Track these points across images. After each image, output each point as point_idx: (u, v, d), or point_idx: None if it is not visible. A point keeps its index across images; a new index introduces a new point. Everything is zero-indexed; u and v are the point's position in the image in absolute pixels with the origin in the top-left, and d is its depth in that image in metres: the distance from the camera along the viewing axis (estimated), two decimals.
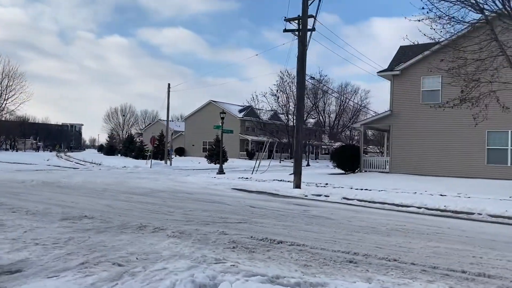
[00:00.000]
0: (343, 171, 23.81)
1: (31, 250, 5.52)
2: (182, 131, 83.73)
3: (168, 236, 6.75)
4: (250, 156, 57.87)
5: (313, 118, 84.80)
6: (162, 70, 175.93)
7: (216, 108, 63.33)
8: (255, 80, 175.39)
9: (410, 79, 22.10)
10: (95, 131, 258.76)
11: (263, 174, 24.80)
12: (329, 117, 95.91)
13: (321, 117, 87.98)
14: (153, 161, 33.54)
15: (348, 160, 23.18)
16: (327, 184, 18.45)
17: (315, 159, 71.93)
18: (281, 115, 57.73)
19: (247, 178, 21.17)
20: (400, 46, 25.58)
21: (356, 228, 7.99)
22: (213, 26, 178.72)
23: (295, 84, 29.79)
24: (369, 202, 12.84)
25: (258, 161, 27.15)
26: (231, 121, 60.40)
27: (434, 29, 13.45)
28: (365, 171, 23.29)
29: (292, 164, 52.06)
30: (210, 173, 25.19)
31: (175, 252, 5.66)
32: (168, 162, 35.96)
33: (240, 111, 62.43)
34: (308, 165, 55.22)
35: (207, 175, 23.70)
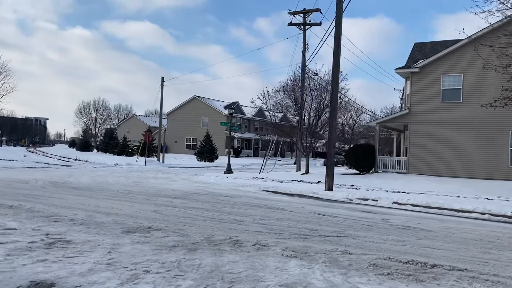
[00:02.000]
0: (357, 171, 22.94)
1: (151, 282, 4.21)
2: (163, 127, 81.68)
3: (282, 255, 5.54)
4: (237, 153, 56.55)
5: (294, 116, 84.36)
6: (128, 65, 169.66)
7: (201, 104, 61.74)
8: (222, 75, 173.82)
9: (429, 77, 21.39)
10: (61, 125, 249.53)
11: (270, 173, 23.64)
12: (308, 115, 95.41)
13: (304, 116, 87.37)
14: (147, 158, 31.80)
15: (363, 160, 22.31)
16: (352, 185, 17.47)
17: (292, 157, 71.30)
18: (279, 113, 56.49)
19: (262, 178, 19.96)
20: (415, 43, 24.92)
21: (473, 242, 6.98)
22: (179, 21, 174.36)
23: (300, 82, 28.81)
24: (425, 207, 11.90)
25: (264, 160, 25.90)
26: (217, 117, 58.93)
27: None
28: (380, 171, 22.49)
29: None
30: (218, 172, 23.82)
31: (326, 282, 4.47)
32: (161, 159, 34.24)
33: (226, 107, 60.93)
34: (295, 163, 54.48)
35: (215, 174, 22.35)
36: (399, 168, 22.22)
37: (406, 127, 23.04)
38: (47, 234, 6.31)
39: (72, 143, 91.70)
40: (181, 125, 62.78)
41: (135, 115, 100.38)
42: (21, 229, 6.71)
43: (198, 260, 5.13)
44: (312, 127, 23.78)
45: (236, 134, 58.97)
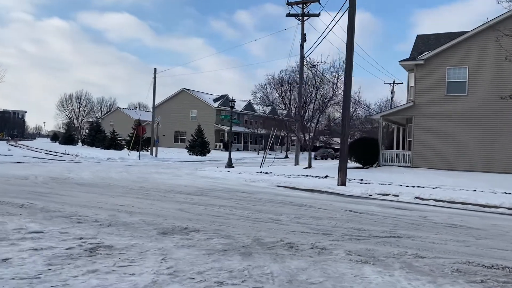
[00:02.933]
0: (359, 165, 22.60)
1: None
2: (147, 120, 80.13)
3: (351, 261, 5.02)
4: (226, 147, 55.77)
5: (282, 109, 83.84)
6: (107, 57, 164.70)
7: (189, 97, 60.77)
8: (203, 68, 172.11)
9: (434, 69, 21.09)
10: (40, 118, 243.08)
11: (270, 167, 23.10)
12: (294, 108, 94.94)
13: (290, 109, 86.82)
14: (141, 152, 30.92)
15: (366, 153, 21.97)
16: (362, 180, 17.09)
17: (286, 151, 70.75)
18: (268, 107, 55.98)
19: (267, 172, 19.42)
20: (417, 35, 24.61)
21: None
22: (159, 13, 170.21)
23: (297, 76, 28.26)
24: (449, 202, 11.54)
25: (265, 155, 25.32)
26: (206, 110, 58.15)
27: None
28: (383, 165, 22.19)
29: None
30: (219, 166, 23.19)
31: None
32: (153, 153, 33.37)
33: (215, 100, 60.17)
34: (286, 157, 54.08)
35: (217, 168, 21.73)
36: (403, 162, 21.93)
37: (409, 120, 22.76)
38: (81, 238, 5.68)
39: (54, 137, 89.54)
40: (169, 119, 61.65)
41: (119, 108, 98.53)
42: (47, 231, 6.06)
43: (267, 268, 4.57)
44: (316, 120, 23.19)
45: (225, 128, 58.28)
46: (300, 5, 28.06)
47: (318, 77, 21.77)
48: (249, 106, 65.97)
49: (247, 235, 6.25)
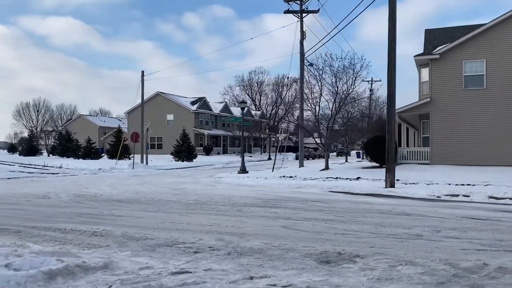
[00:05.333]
0: (377, 164, 21.86)
1: None
2: (114, 127, 76.88)
3: None
4: (207, 151, 54.16)
5: (256, 110, 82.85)
6: (53, 63, 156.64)
7: (165, 101, 58.66)
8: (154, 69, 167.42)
9: (450, 64, 20.64)
10: None
11: (281, 170, 21.99)
12: (266, 109, 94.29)
13: (260, 110, 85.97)
14: (124, 161, 28.99)
15: (384, 152, 21.17)
16: (398, 180, 16.24)
17: (262, 152, 69.74)
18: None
19: (291, 176, 18.29)
20: (426, 30, 24.19)
21: None
22: (104, 17, 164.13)
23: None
24: None
25: (275, 158, 24.11)
26: (184, 114, 56.32)
27: None
28: (401, 163, 21.55)
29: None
30: (232, 172, 21.82)
31: None
32: (144, 161, 31.46)
33: (193, 103, 58.33)
34: (269, 158, 53.06)
35: (232, 174, 20.39)
36: (421, 159, 21.37)
37: (423, 116, 22.27)
38: (251, 278, 4.37)
39: (12, 148, 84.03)
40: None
41: (82, 115, 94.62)
42: (193, 270, 4.70)
43: None
44: (332, 121, 22.09)
45: (205, 131, 56.59)
46: (298, 2, 27.17)
47: (335, 74, 20.69)
48: (226, 108, 64.57)
49: (425, 258, 5.12)
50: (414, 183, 14.96)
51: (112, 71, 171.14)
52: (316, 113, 21.63)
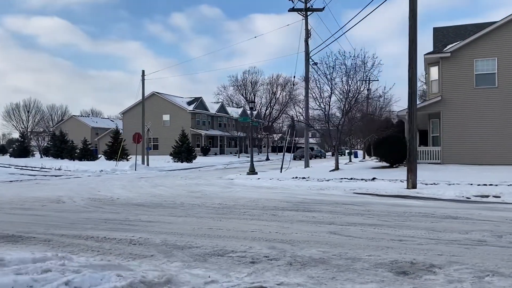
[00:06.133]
0: (387, 164, 21.56)
1: None
2: (107, 128, 75.92)
3: None
4: (205, 152, 53.60)
5: (252, 110, 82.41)
6: (40, 63, 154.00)
7: (161, 101, 58.00)
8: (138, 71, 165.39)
9: (461, 62, 20.41)
10: None
11: (290, 171, 21.61)
12: (260, 109, 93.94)
13: (256, 110, 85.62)
14: (123, 162, 28.39)
15: (393, 152, 20.93)
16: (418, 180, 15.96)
17: (259, 153, 69.33)
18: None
19: (304, 177, 17.89)
20: (434, 28, 23.95)
21: None
22: (91, 17, 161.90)
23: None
24: None
25: (283, 159, 23.69)
26: (180, 114, 55.72)
27: None
28: None
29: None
30: (241, 173, 21.37)
31: None
32: (145, 162, 30.87)
33: (189, 103, 57.71)
34: (268, 159, 52.63)
35: (243, 176, 19.95)
36: (432, 159, 21.12)
37: (432, 115, 22.02)
38: None
39: (2, 149, 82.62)
40: (139, 125, 58.43)
41: (74, 116, 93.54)
42: (267, 283, 4.29)
43: None
44: (343, 122, 21.66)
45: (202, 132, 56.04)
46: (303, 0, 26.78)
47: (347, 73, 20.25)
48: (222, 108, 64.09)
49: (508, 268, 4.76)
50: (434, 184, 14.66)
51: (100, 71, 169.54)
52: (326, 112, 21.22)
